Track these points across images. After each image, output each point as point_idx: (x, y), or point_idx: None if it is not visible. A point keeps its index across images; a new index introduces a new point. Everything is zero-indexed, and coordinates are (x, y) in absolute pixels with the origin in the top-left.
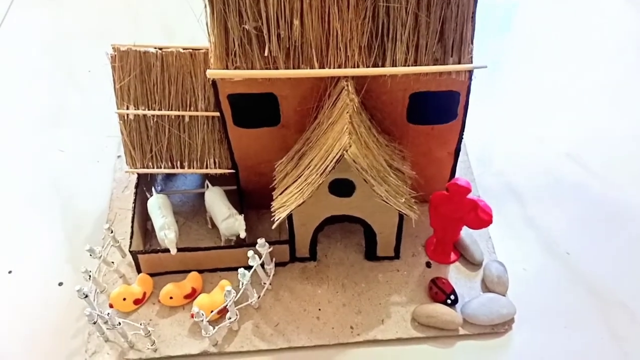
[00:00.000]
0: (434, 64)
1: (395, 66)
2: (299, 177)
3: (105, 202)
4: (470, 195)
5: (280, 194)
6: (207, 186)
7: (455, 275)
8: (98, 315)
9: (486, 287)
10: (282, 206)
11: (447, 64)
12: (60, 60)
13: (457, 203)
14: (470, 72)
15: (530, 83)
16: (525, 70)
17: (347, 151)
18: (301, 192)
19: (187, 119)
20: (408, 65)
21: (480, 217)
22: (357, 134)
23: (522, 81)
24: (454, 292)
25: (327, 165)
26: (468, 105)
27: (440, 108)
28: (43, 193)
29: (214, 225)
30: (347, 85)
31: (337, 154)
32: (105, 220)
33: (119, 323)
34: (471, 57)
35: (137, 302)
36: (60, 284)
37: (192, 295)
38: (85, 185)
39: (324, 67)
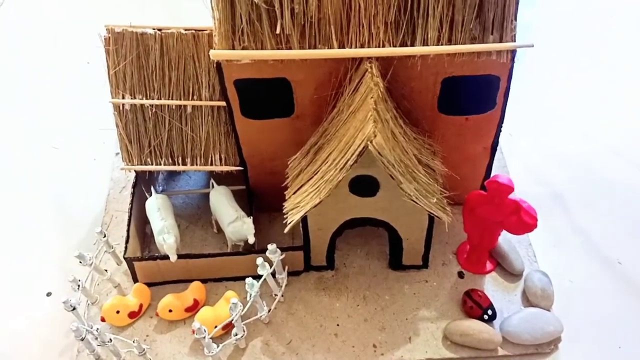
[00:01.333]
0: (472, 43)
1: (427, 45)
2: (315, 174)
3: (101, 204)
4: (511, 196)
5: (294, 193)
6: (212, 185)
7: (492, 287)
8: (87, 330)
9: (528, 301)
10: (296, 207)
11: (486, 43)
12: (58, 52)
13: (497, 204)
14: (513, 52)
15: (573, 70)
16: (566, 56)
17: (371, 142)
18: (317, 191)
19: (189, 110)
20: (441, 45)
21: (524, 221)
22: (383, 122)
23: (564, 68)
24: (491, 306)
25: (348, 159)
26: (509, 93)
27: (477, 95)
28: (34, 194)
29: (219, 229)
30: (371, 68)
31: (359, 145)
32: (100, 223)
33: (110, 340)
34: (514, 35)
35: (132, 315)
36: (49, 294)
37: (194, 308)
38: (80, 185)
39: (344, 47)
